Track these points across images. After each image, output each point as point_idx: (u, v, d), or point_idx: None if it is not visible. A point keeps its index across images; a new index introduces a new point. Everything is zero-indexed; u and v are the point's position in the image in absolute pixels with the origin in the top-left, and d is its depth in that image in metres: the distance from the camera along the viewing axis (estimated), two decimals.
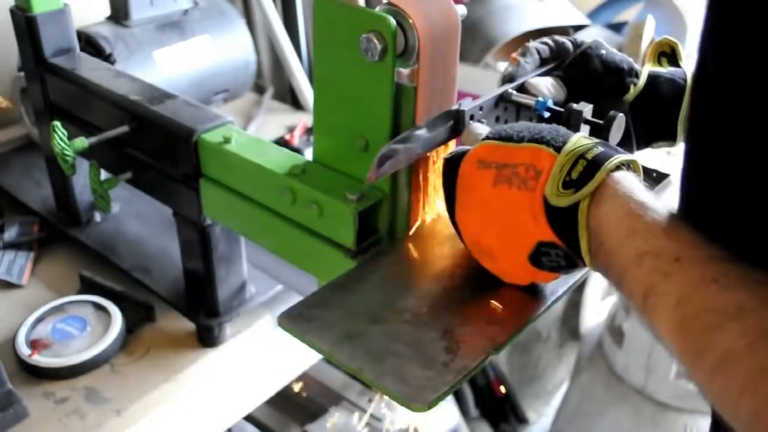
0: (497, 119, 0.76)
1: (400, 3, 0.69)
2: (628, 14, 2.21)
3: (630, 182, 0.56)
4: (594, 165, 0.56)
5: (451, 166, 0.66)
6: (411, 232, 0.78)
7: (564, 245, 0.58)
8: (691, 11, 1.94)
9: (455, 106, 0.71)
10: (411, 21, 0.68)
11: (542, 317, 0.68)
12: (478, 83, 1.64)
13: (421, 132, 0.68)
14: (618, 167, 0.56)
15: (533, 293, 0.67)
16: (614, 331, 1.92)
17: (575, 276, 0.69)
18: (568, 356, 2.32)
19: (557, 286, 0.68)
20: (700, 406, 1.69)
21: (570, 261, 0.60)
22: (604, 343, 1.97)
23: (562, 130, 0.61)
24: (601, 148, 0.57)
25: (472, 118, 0.72)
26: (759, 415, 0.41)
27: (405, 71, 0.73)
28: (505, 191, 0.60)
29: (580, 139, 0.59)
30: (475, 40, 1.94)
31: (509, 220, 0.61)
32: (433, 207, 0.80)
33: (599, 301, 2.28)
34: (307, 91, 1.78)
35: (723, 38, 0.48)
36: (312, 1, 0.73)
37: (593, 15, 2.21)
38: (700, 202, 0.54)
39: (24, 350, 1.02)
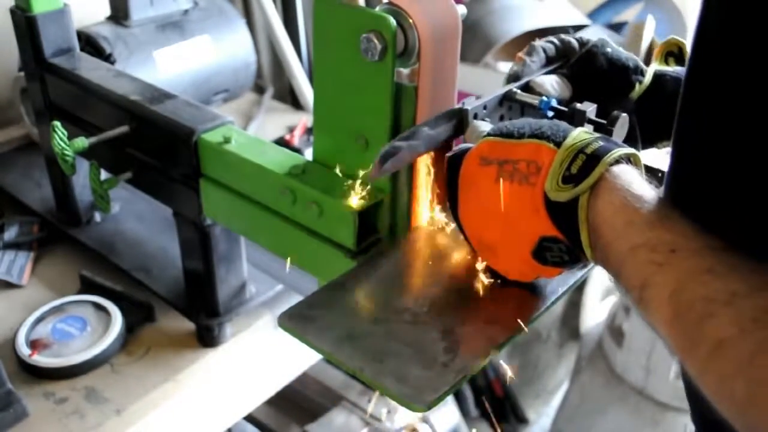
0: (501, 118, 0.75)
1: (400, 3, 0.69)
2: (628, 14, 2.21)
3: (628, 175, 0.55)
4: (593, 159, 0.56)
5: (454, 164, 0.66)
6: (411, 232, 0.78)
7: (566, 239, 0.58)
8: (691, 11, 1.94)
9: (459, 105, 0.71)
10: (411, 21, 0.68)
11: (542, 317, 0.67)
12: (478, 83, 1.64)
13: (424, 129, 0.68)
14: (618, 161, 0.56)
15: (533, 291, 0.67)
16: (614, 331, 1.92)
17: (575, 276, 0.69)
18: (568, 356, 2.32)
19: (557, 286, 0.68)
20: None
21: (573, 255, 0.60)
22: (604, 343, 1.97)
23: (563, 125, 0.61)
24: (601, 143, 0.57)
25: (476, 116, 0.71)
26: (752, 398, 0.41)
27: (405, 71, 0.73)
28: (507, 187, 0.60)
29: (581, 133, 0.59)
30: (475, 39, 1.94)
31: (511, 215, 0.61)
32: (433, 207, 0.79)
33: (599, 301, 2.28)
34: (307, 91, 1.78)
35: (715, 37, 0.49)
36: (312, 1, 0.73)
37: (593, 15, 2.21)
38: (685, 201, 0.53)
39: (24, 350, 1.02)
